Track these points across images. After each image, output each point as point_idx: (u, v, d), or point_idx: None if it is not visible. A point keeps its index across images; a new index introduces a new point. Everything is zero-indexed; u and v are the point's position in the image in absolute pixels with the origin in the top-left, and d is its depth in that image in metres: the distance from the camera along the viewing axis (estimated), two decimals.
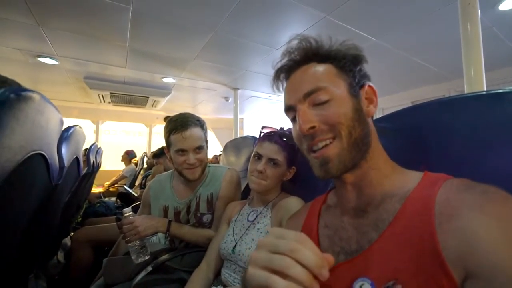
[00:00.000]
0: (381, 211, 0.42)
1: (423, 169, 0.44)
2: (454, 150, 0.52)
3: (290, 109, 0.48)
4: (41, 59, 2.74)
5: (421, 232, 0.35)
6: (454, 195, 0.35)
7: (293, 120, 0.48)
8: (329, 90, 0.44)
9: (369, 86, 0.47)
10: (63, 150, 0.72)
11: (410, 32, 2.21)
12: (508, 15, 1.95)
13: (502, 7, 1.84)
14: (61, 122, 0.71)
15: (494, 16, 1.96)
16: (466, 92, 1.33)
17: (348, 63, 0.46)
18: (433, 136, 0.56)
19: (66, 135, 0.75)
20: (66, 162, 0.75)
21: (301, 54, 0.48)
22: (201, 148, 1.04)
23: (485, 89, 1.20)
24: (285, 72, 0.51)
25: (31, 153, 0.54)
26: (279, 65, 0.51)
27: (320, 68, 0.46)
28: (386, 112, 0.66)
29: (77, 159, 0.97)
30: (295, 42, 0.48)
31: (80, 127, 0.92)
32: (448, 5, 1.80)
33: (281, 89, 0.53)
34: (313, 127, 0.43)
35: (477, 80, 1.34)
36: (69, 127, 0.80)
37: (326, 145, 0.43)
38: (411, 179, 0.43)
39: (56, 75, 3.33)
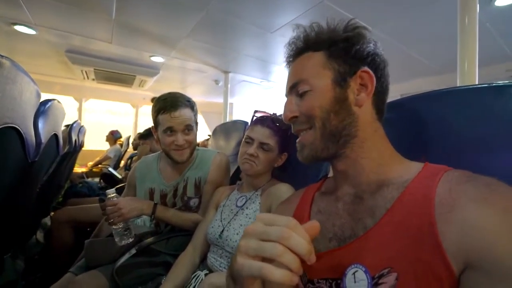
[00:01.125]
0: (378, 198, 0.41)
1: (423, 160, 0.43)
2: (452, 142, 0.52)
3: (287, 97, 0.52)
4: (17, 27, 2.53)
5: (420, 221, 0.34)
6: (456, 186, 0.35)
7: None
8: (309, 82, 0.45)
9: (364, 71, 0.44)
10: (40, 125, 0.67)
11: (407, 23, 2.19)
12: (503, 12, 1.96)
13: (499, 3, 1.84)
14: (38, 95, 0.65)
15: (490, 11, 1.96)
16: (458, 85, 1.34)
17: (338, 49, 0.45)
18: (430, 127, 0.56)
19: (43, 109, 0.69)
20: (44, 139, 0.70)
21: (298, 43, 0.49)
22: (190, 128, 1.01)
23: (476, 83, 1.21)
24: (288, 63, 0.53)
25: (2, 126, 0.49)
26: (285, 55, 0.53)
27: (311, 58, 0.47)
28: None
29: (55, 136, 0.91)
30: (296, 31, 0.50)
31: (58, 102, 0.86)
32: None
33: None
34: (295, 117, 0.47)
35: (470, 74, 1.35)
36: (46, 101, 0.74)
37: (304, 134, 0.47)
38: (411, 169, 0.42)
39: (35, 46, 3.11)
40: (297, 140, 0.49)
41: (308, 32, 0.48)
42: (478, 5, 1.38)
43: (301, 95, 0.46)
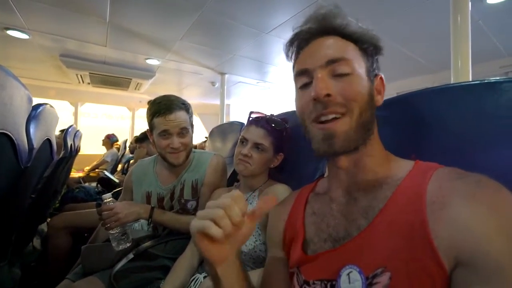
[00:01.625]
0: (371, 199, 0.41)
1: (413, 158, 0.43)
2: (445, 138, 0.52)
3: (303, 74, 0.45)
4: (10, 32, 2.51)
5: (412, 220, 0.34)
6: (446, 184, 0.35)
7: (304, 86, 0.46)
8: (353, 65, 0.42)
9: (381, 77, 0.47)
10: (32, 131, 0.66)
11: (401, 22, 2.21)
12: (495, 9, 1.98)
13: (490, 0, 1.86)
14: (29, 100, 0.65)
15: (482, 9, 1.98)
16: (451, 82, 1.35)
17: (371, 48, 0.46)
18: (423, 125, 0.56)
19: (34, 114, 0.69)
20: (36, 144, 0.69)
21: (327, 24, 0.45)
22: (185, 131, 1.00)
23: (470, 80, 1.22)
24: (305, 38, 0.47)
25: None
26: (299, 29, 0.48)
27: (344, 43, 0.44)
28: None
29: (48, 140, 0.90)
30: (323, 10, 0.46)
31: (51, 106, 0.85)
32: None
33: (289, 56, 0.50)
34: (329, 95, 0.41)
35: (463, 72, 1.36)
36: (38, 105, 0.73)
37: (335, 119, 0.41)
38: (402, 167, 0.42)
39: (28, 51, 3.08)
40: (321, 127, 0.42)
41: (336, 17, 0.45)
42: (470, 3, 1.39)
43: (339, 76, 0.42)
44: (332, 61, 0.42)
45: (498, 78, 0.49)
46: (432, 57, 3.03)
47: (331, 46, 0.44)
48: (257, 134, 0.83)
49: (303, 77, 0.45)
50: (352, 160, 0.45)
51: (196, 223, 0.37)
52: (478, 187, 0.32)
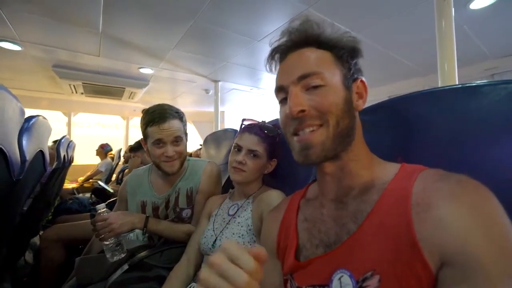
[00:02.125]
0: (359, 203, 0.42)
1: (400, 161, 0.44)
2: (431, 141, 0.53)
3: (281, 90, 0.47)
4: (1, 44, 2.50)
5: (398, 222, 0.35)
6: (430, 185, 0.36)
7: (282, 101, 0.47)
8: (324, 77, 0.43)
9: (362, 81, 0.47)
10: (24, 143, 0.65)
11: (388, 27, 2.27)
12: (478, 14, 2.05)
13: (473, 6, 1.92)
14: (22, 112, 0.64)
15: (466, 14, 2.04)
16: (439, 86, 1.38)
17: (346, 53, 0.46)
18: (410, 128, 0.57)
19: (27, 126, 0.68)
20: (28, 156, 0.69)
21: (301, 36, 0.46)
22: (179, 139, 1.00)
23: (456, 84, 1.26)
24: (281, 52, 0.49)
25: None
26: (276, 44, 0.49)
27: (319, 53, 0.45)
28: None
29: (41, 152, 0.89)
30: (297, 22, 0.47)
31: (43, 117, 0.85)
32: (425, 1, 1.85)
33: (273, 70, 0.51)
34: (303, 111, 0.42)
35: (450, 75, 1.40)
36: (30, 117, 0.72)
37: (312, 131, 0.43)
38: (389, 170, 0.43)
39: (20, 63, 3.07)
40: (298, 139, 0.44)
41: (314, 28, 0.46)
42: (453, 9, 1.44)
43: (313, 89, 0.43)
44: (303, 76, 0.43)
45: (479, 82, 0.51)
46: (421, 61, 3.10)
47: (303, 60, 0.45)
48: (251, 141, 0.84)
49: (281, 93, 0.47)
50: (337, 166, 0.46)
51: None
52: (459, 187, 0.33)
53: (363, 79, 0.47)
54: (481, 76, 3.16)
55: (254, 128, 0.86)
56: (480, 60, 3.05)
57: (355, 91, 0.46)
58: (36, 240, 1.72)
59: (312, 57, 0.45)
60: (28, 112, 0.73)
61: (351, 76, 0.46)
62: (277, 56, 0.50)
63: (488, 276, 0.28)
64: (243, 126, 0.91)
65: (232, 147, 0.88)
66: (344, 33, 0.47)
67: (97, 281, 0.92)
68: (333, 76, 0.44)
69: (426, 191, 0.35)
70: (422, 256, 0.32)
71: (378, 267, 0.35)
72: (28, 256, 1.60)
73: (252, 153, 0.84)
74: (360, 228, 0.39)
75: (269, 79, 3.96)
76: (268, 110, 6.11)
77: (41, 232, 1.65)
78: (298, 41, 0.46)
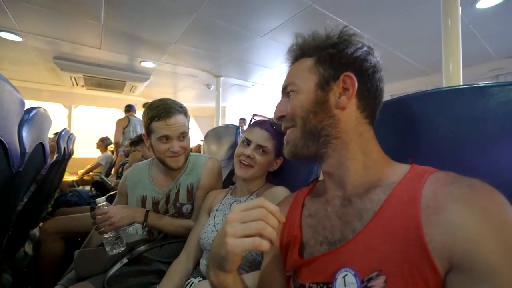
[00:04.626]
0: (365, 201, 0.41)
1: (410, 162, 0.44)
2: (439, 143, 0.53)
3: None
4: (2, 34, 2.48)
5: (407, 224, 0.35)
6: (441, 188, 0.35)
7: None
8: (296, 84, 0.49)
9: (347, 75, 0.45)
10: (24, 134, 0.65)
11: (393, 24, 2.25)
12: (484, 14, 2.03)
13: (480, 5, 1.90)
14: (22, 103, 0.64)
15: (472, 14, 2.02)
16: (444, 86, 1.37)
17: (325, 55, 0.47)
18: (416, 128, 0.57)
19: (27, 117, 0.68)
20: (28, 148, 0.68)
21: (295, 50, 0.52)
22: (185, 135, 1.00)
23: (461, 84, 1.25)
24: (288, 68, 0.55)
25: None
26: (286, 62, 0.56)
27: (302, 63, 0.50)
28: None
29: (41, 144, 0.89)
30: (297, 39, 0.52)
31: (44, 110, 0.84)
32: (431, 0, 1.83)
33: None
34: (283, 116, 0.51)
35: (454, 75, 1.39)
36: (31, 109, 0.72)
37: (289, 131, 0.50)
38: (398, 171, 0.42)
39: (21, 53, 3.05)
40: (284, 137, 0.52)
41: (304, 40, 0.51)
42: (460, 8, 1.42)
43: (289, 96, 0.50)
44: (284, 88, 0.52)
45: (488, 82, 0.50)
46: (424, 60, 3.08)
47: (287, 75, 0.53)
48: (261, 136, 0.84)
49: None
50: (332, 164, 0.47)
51: (242, 242, 0.35)
52: (472, 192, 0.33)
53: (348, 73, 0.45)
54: (485, 76, 3.14)
55: (265, 124, 0.86)
56: (484, 61, 3.03)
57: (342, 86, 0.45)
58: (36, 231, 1.72)
59: (294, 69, 0.51)
60: (29, 104, 0.72)
61: (334, 74, 0.46)
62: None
63: (499, 283, 0.28)
64: (253, 120, 0.90)
65: (241, 141, 0.88)
66: (340, 31, 0.48)
67: (96, 274, 0.92)
68: (305, 81, 0.48)
69: (436, 194, 0.35)
70: (431, 259, 0.31)
71: (384, 267, 0.34)
72: (28, 248, 1.61)
73: (261, 148, 0.83)
74: (367, 228, 0.39)
75: (271, 75, 3.94)
76: (270, 106, 6.09)
77: (40, 224, 1.65)
78: (295, 55, 0.53)
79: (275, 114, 0.52)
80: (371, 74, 0.46)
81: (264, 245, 0.35)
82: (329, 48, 0.47)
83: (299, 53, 0.52)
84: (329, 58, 0.46)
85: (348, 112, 0.45)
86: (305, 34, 0.51)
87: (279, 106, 0.51)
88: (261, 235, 0.35)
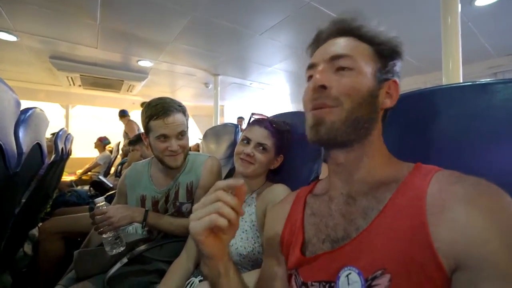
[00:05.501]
0: (370, 199, 0.41)
1: (415, 161, 0.43)
2: (441, 141, 0.52)
3: (311, 67, 0.48)
4: None
5: (412, 222, 0.34)
6: (446, 187, 0.35)
7: (309, 78, 0.48)
8: (356, 60, 0.44)
9: (395, 81, 0.46)
10: (21, 135, 0.64)
11: (392, 22, 2.24)
12: (483, 11, 2.03)
13: (479, 2, 1.90)
14: (17, 104, 0.63)
15: (471, 11, 2.02)
16: (443, 84, 1.37)
17: (385, 50, 0.46)
18: (418, 126, 0.56)
19: (23, 118, 0.67)
20: (25, 148, 0.67)
21: (344, 25, 0.48)
22: (183, 133, 1.00)
23: (461, 82, 1.24)
24: (322, 38, 0.50)
25: None
26: (319, 30, 0.51)
27: (358, 43, 0.46)
28: None
29: (39, 145, 0.88)
30: (343, 15, 0.49)
31: (41, 110, 0.83)
32: None
33: (310, 54, 0.52)
34: (323, 87, 0.43)
35: (454, 72, 1.39)
36: (27, 109, 0.71)
37: (327, 111, 0.43)
38: (402, 169, 0.42)
39: (16, 53, 3.02)
40: (315, 113, 0.44)
41: (352, 19, 0.47)
42: (460, 5, 1.42)
43: (340, 70, 0.44)
44: (336, 57, 0.44)
45: (489, 79, 0.50)
46: (423, 58, 3.08)
47: (340, 44, 0.46)
48: (261, 134, 0.84)
49: (311, 70, 0.48)
50: (350, 157, 0.45)
51: (200, 221, 0.38)
52: (477, 191, 0.33)
53: (397, 80, 0.47)
54: (484, 74, 3.15)
55: (264, 122, 0.86)
56: (483, 58, 3.03)
57: (386, 90, 0.46)
58: (35, 232, 1.71)
59: (350, 43, 0.46)
60: (26, 104, 0.71)
61: (385, 73, 0.46)
62: (315, 42, 0.51)
63: (506, 282, 0.27)
64: (252, 119, 0.90)
65: (240, 139, 0.88)
66: (387, 33, 0.47)
67: (96, 274, 0.91)
68: (365, 64, 0.44)
69: (442, 192, 0.34)
70: (437, 258, 0.31)
71: (389, 266, 0.34)
72: (27, 248, 1.60)
73: (261, 146, 0.83)
74: (371, 226, 0.38)
75: (269, 74, 3.93)
76: (268, 105, 6.08)
77: (39, 224, 1.65)
78: (340, 29, 0.48)
79: (316, 81, 0.43)
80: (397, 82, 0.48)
81: (221, 221, 0.37)
82: (384, 45, 0.46)
83: (347, 29, 0.47)
84: (386, 56, 0.46)
85: (381, 114, 0.47)
86: (359, 15, 0.48)
87: (323, 74, 0.43)
88: (219, 214, 0.37)
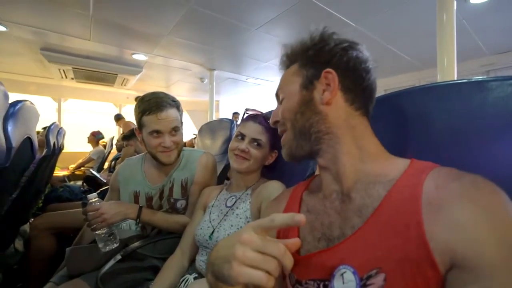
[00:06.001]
0: (364, 197, 0.41)
1: (409, 157, 0.43)
2: (436, 138, 0.53)
3: None
4: None
5: (407, 220, 0.34)
6: (442, 185, 0.35)
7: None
8: (283, 90, 0.52)
9: (327, 71, 0.46)
10: (10, 129, 0.62)
11: (387, 18, 2.24)
12: (478, 9, 2.03)
13: (474, 0, 1.91)
14: (6, 96, 0.61)
15: (466, 9, 2.03)
16: (438, 81, 1.38)
17: (307, 57, 0.49)
18: (412, 123, 0.56)
19: (12, 111, 0.65)
20: (15, 142, 0.65)
21: (284, 61, 0.55)
22: (177, 129, 0.98)
23: (455, 79, 1.25)
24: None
25: None
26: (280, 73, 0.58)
27: (289, 70, 0.53)
28: None
29: (29, 139, 0.85)
30: (284, 49, 0.55)
31: (31, 103, 0.80)
32: None
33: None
34: (277, 121, 0.53)
35: (449, 69, 1.40)
36: (16, 102, 0.68)
37: (284, 135, 0.52)
38: (397, 166, 0.42)
39: (6, 44, 2.93)
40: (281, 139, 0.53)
41: (292, 48, 0.53)
42: (455, 2, 1.42)
43: (280, 103, 0.53)
44: (276, 95, 0.55)
45: (484, 77, 0.50)
46: (418, 55, 3.09)
47: (280, 81, 0.55)
48: (255, 130, 0.83)
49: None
50: (328, 159, 0.46)
51: (249, 273, 0.31)
52: (474, 189, 0.33)
53: (328, 69, 0.45)
54: (477, 72, 3.18)
55: (258, 118, 0.86)
56: (476, 56, 3.06)
57: (325, 83, 0.46)
58: (26, 227, 1.69)
59: (283, 77, 0.54)
60: (15, 97, 0.69)
61: (316, 73, 0.47)
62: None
63: (500, 281, 0.27)
64: (246, 115, 0.90)
65: (234, 135, 0.87)
66: (312, 35, 0.49)
67: (89, 272, 0.90)
68: (291, 85, 0.50)
69: (438, 190, 0.34)
70: (432, 257, 0.31)
71: (384, 265, 0.34)
72: (18, 244, 1.58)
73: (256, 142, 0.83)
74: (366, 224, 0.38)
75: (265, 69, 3.91)
76: (264, 100, 6.06)
77: (31, 220, 1.62)
78: (284, 64, 0.55)
79: (270, 120, 0.55)
80: (353, 67, 0.46)
81: (271, 283, 0.31)
82: (309, 50, 0.49)
83: (288, 62, 0.54)
84: (310, 59, 0.49)
85: (336, 107, 0.46)
86: (292, 43, 0.53)
87: (274, 112, 0.54)
88: (268, 273, 0.31)
